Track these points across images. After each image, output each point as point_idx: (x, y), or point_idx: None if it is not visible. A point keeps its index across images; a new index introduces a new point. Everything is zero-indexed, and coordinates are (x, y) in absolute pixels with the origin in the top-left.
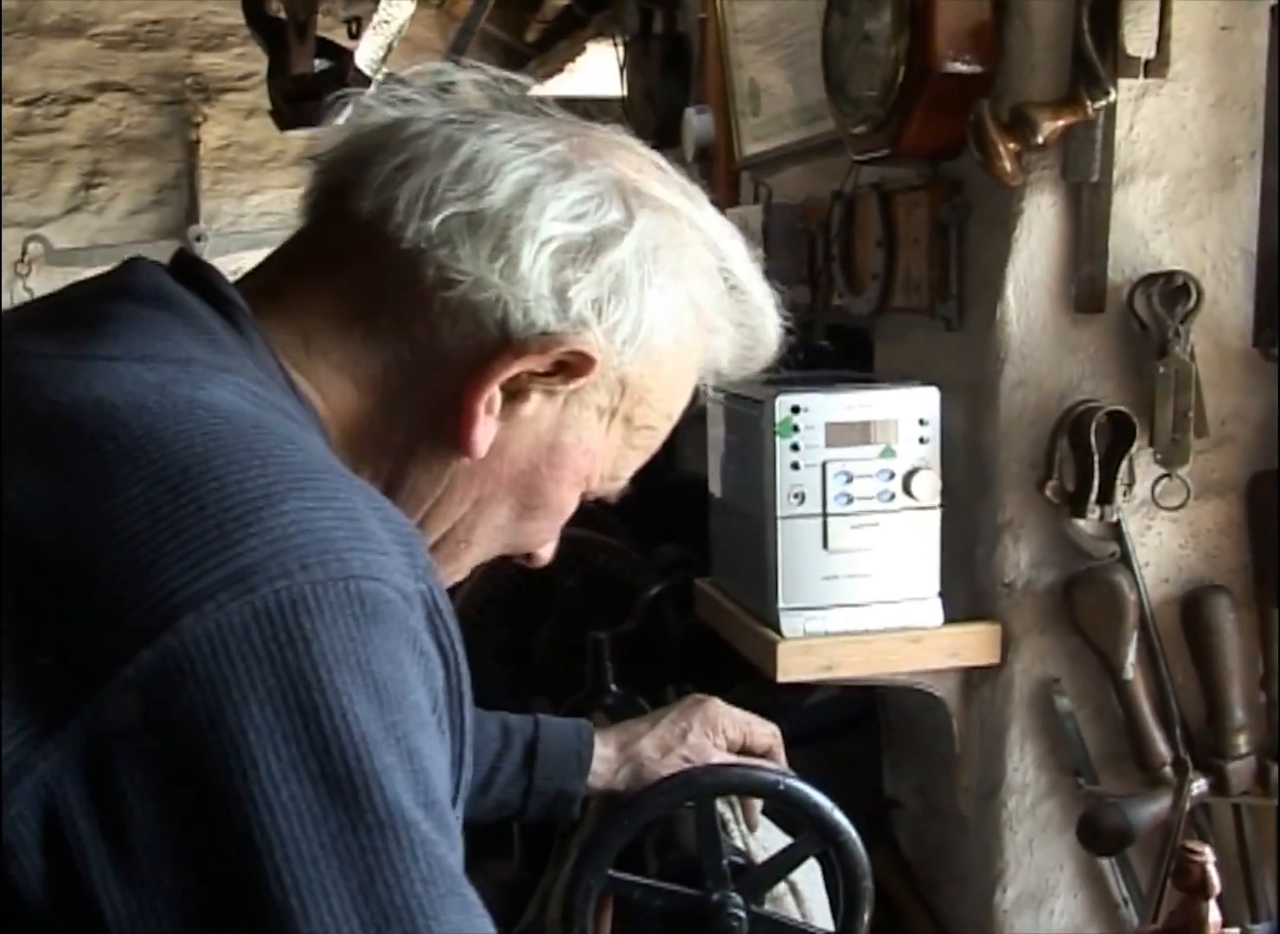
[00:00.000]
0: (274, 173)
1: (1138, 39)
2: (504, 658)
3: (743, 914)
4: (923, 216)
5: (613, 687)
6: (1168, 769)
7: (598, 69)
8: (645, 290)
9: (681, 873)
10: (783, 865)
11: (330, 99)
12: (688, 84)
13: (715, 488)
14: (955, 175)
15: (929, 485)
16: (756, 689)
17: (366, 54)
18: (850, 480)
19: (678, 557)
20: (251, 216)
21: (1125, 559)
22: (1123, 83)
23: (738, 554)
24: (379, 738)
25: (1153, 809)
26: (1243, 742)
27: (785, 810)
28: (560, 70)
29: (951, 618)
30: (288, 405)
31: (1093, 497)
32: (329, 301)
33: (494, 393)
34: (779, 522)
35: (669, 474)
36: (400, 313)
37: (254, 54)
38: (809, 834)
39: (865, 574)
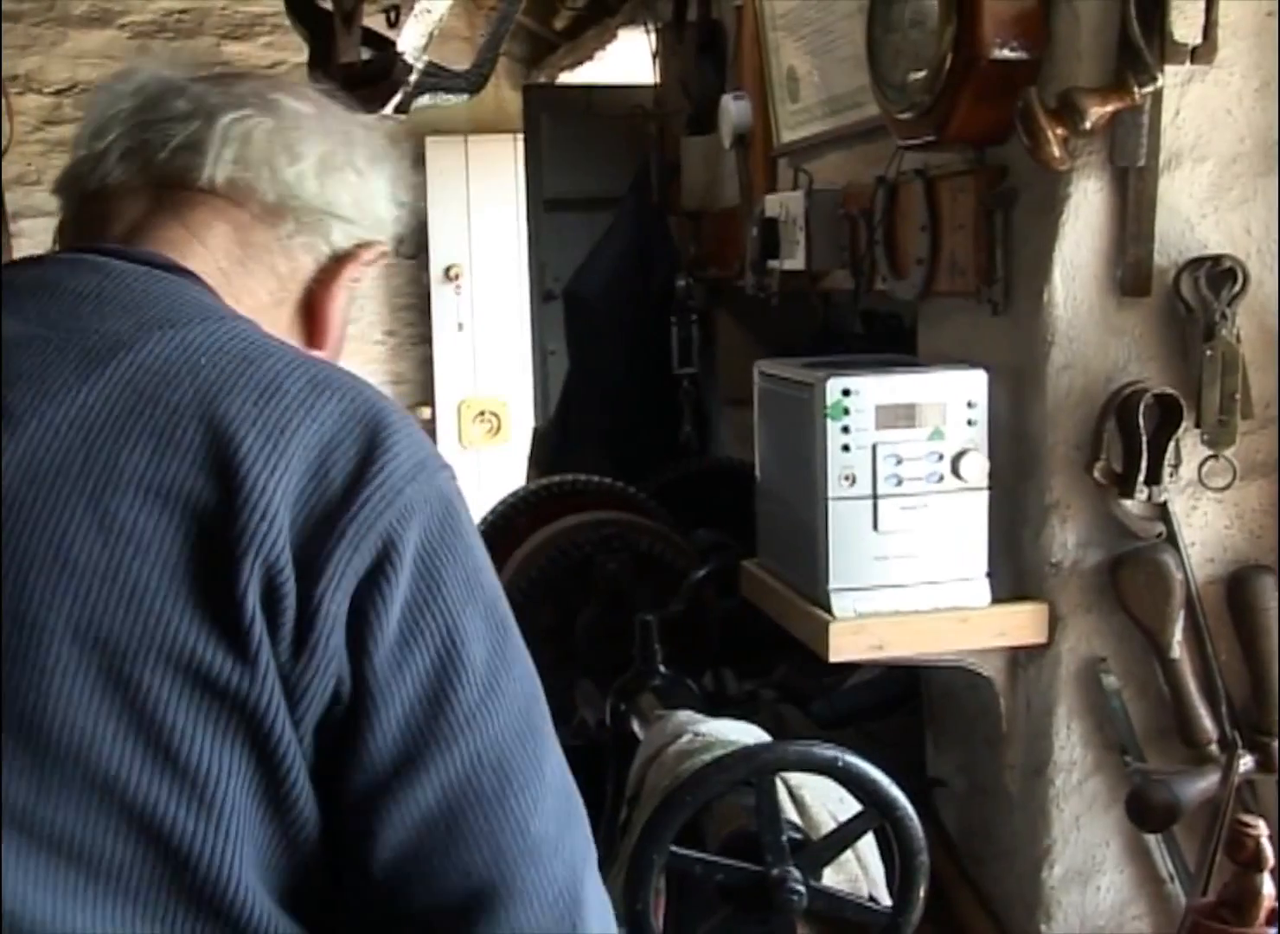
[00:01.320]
0: None
1: (1184, 26)
2: (547, 640)
3: (802, 888)
4: (968, 202)
5: (661, 668)
6: (1213, 747)
7: (629, 56)
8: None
9: (741, 849)
10: (840, 841)
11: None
12: (723, 71)
13: (761, 471)
14: (1001, 161)
15: (977, 467)
16: (799, 671)
17: (410, 42)
18: (900, 462)
19: (714, 541)
20: None
21: (1171, 539)
22: (1169, 69)
23: (786, 536)
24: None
25: (1200, 786)
26: None
27: (843, 786)
28: (590, 58)
29: (998, 598)
30: None
31: (1140, 477)
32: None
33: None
34: (830, 503)
35: (705, 459)
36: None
37: (282, 43)
38: (867, 810)
39: (914, 555)
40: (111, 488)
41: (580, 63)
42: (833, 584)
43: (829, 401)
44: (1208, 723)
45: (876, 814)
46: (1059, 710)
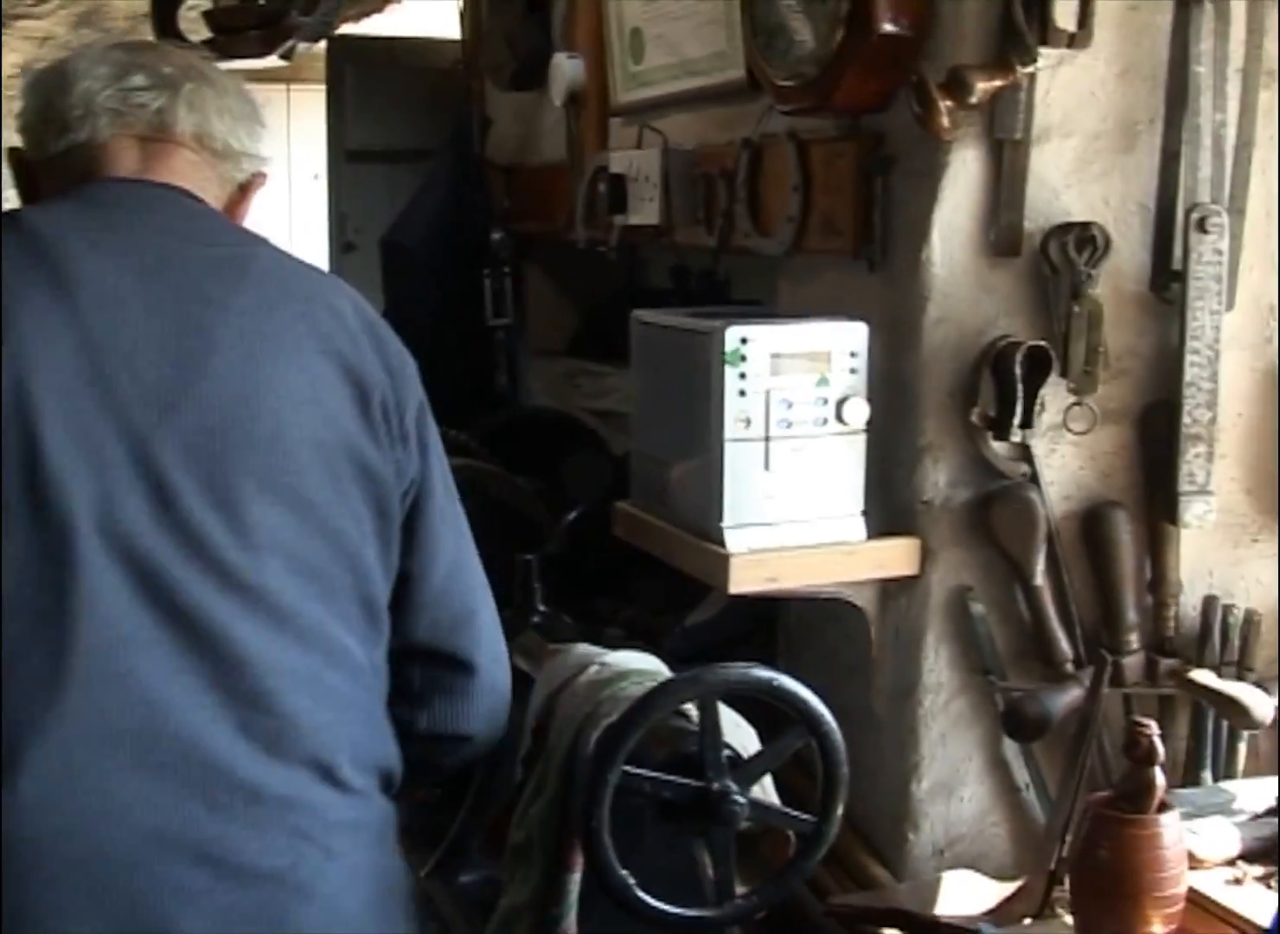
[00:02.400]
0: None
1: (1063, 14)
2: None
3: (743, 801)
4: (846, 166)
5: (540, 607)
6: (1069, 665)
7: (421, 9)
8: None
9: (674, 767)
10: (772, 756)
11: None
12: (548, 30)
13: (640, 416)
14: (876, 128)
15: (859, 411)
16: (641, 611)
17: None
18: (790, 407)
19: (535, 487)
20: None
21: (1034, 478)
22: (1044, 51)
23: (671, 477)
24: None
25: (1065, 699)
26: (1134, 639)
27: (775, 704)
28: (379, 9)
29: (872, 534)
30: None
31: (1015, 422)
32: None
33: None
34: (726, 445)
35: (520, 408)
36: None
37: None
38: (796, 726)
39: (800, 493)
40: (300, 348)
41: (368, 14)
42: (727, 521)
43: (727, 349)
44: (1064, 644)
45: (804, 731)
46: (928, 637)
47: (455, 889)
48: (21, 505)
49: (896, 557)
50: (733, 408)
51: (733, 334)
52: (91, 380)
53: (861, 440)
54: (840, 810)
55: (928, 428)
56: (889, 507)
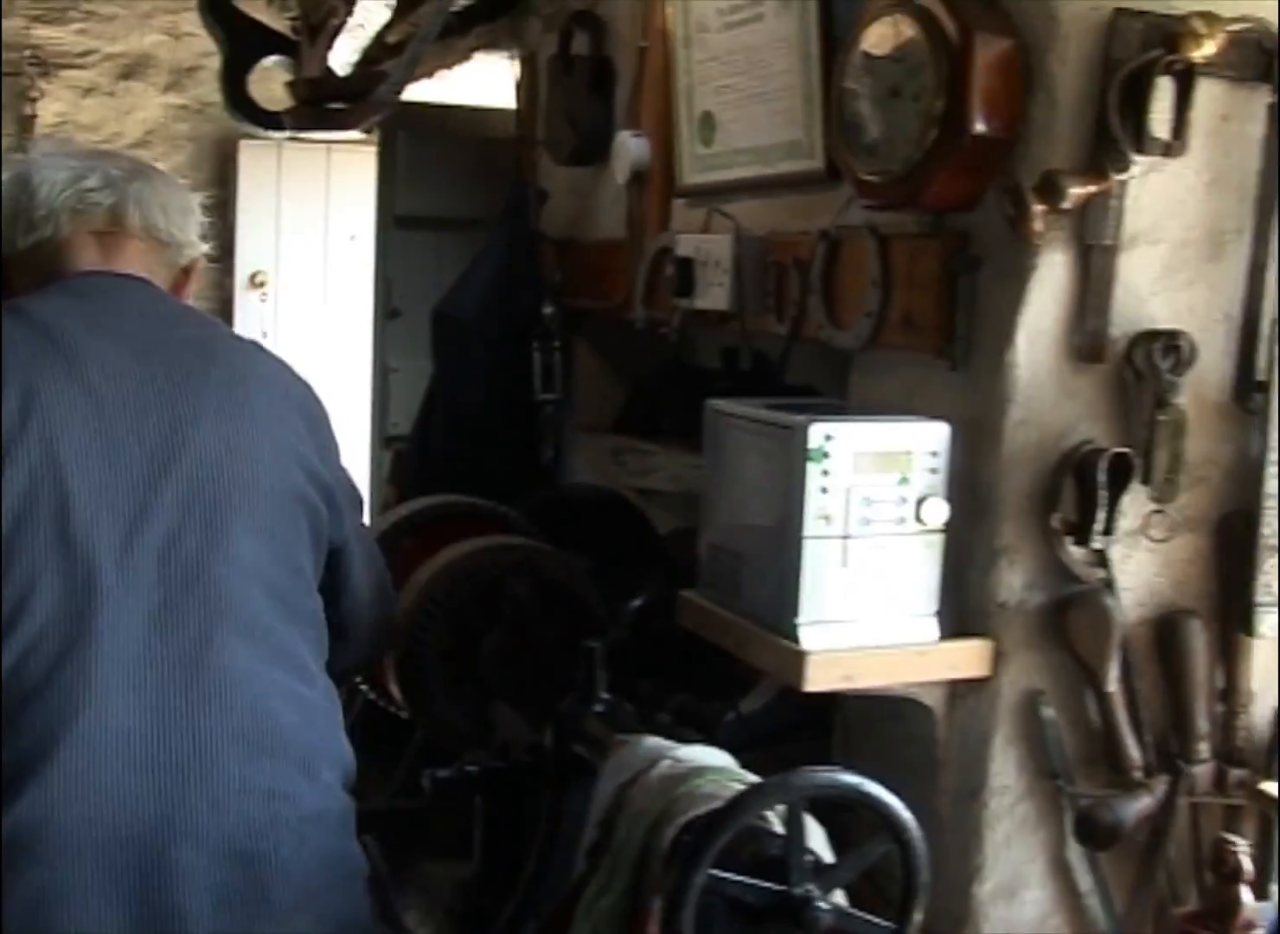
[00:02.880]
0: None
1: (1158, 121)
2: (447, 662)
3: (826, 906)
4: (930, 264)
5: (603, 695)
6: (1138, 773)
7: (472, 79)
8: None
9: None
10: (856, 862)
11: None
12: (610, 107)
13: (712, 506)
14: (961, 227)
15: (939, 511)
16: (690, 697)
17: (342, 57)
18: (871, 505)
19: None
20: None
21: (1109, 584)
22: (1136, 158)
23: (744, 569)
24: None
25: (1135, 807)
26: (1204, 748)
27: (861, 810)
28: (428, 76)
29: (944, 635)
30: None
31: (1098, 528)
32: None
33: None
34: (805, 541)
35: (564, 484)
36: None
37: (95, 31)
38: (881, 833)
39: (876, 592)
40: (261, 415)
41: (418, 79)
42: (802, 617)
43: (811, 445)
44: (1134, 751)
45: (889, 837)
46: (996, 739)
47: None
48: (55, 549)
49: (969, 658)
50: (814, 504)
51: (817, 431)
52: (105, 443)
53: (939, 540)
54: (919, 918)
55: (1005, 530)
56: (961, 607)
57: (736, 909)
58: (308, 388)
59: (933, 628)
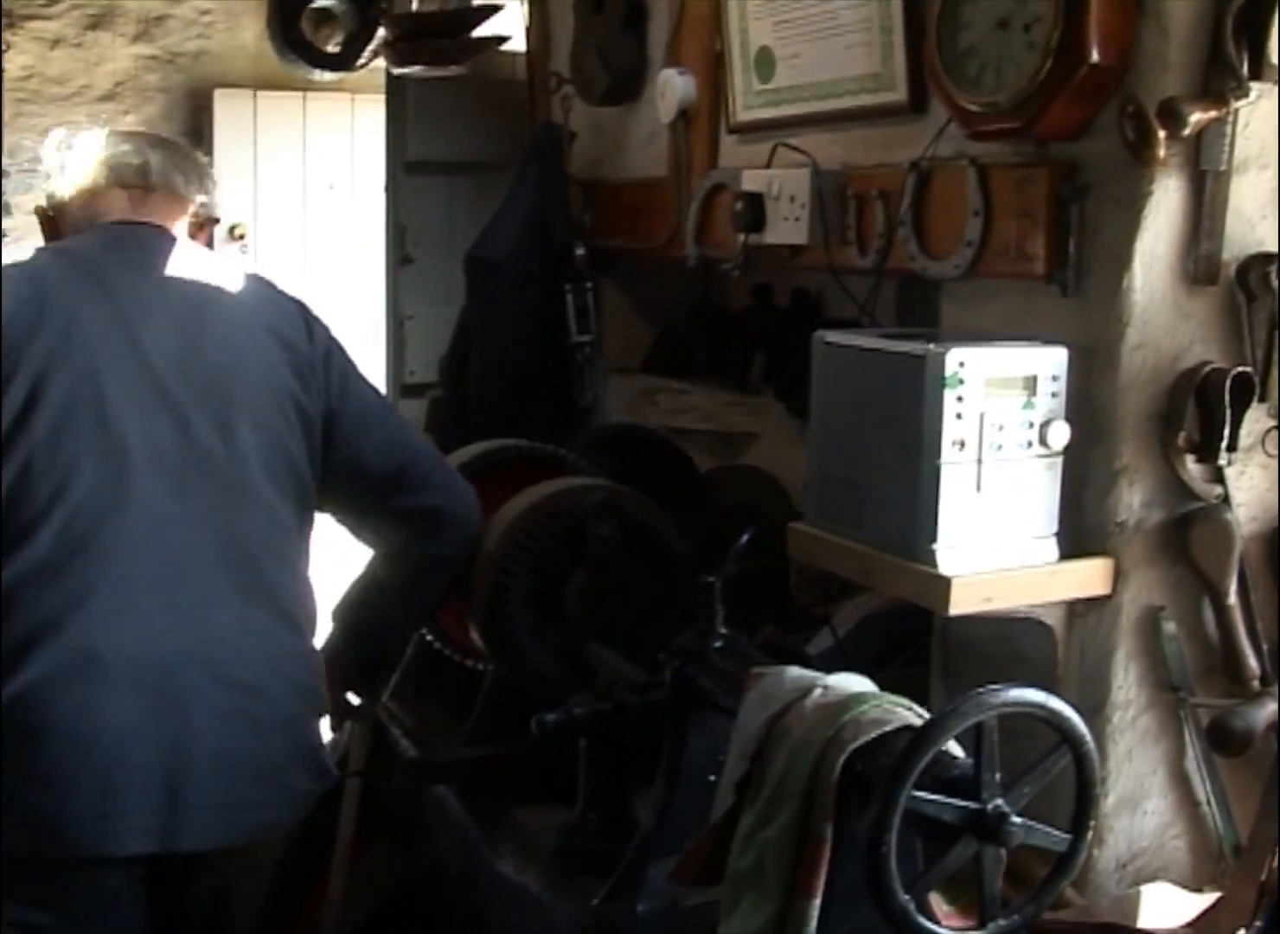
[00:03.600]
0: (79, 108)
1: (1272, 47)
2: (530, 604)
3: (1018, 820)
4: (1038, 192)
5: (722, 629)
6: (1255, 682)
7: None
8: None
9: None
10: (1041, 776)
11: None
12: (644, 45)
13: (825, 437)
14: (1069, 156)
15: (1062, 434)
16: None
17: None
18: (1001, 429)
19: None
20: None
21: (1226, 500)
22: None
23: (868, 497)
24: None
25: (1264, 714)
26: None
27: (1042, 723)
28: None
29: (1063, 555)
30: None
31: (1223, 445)
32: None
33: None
34: (942, 467)
35: (608, 428)
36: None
37: None
38: (1061, 745)
39: (1005, 515)
40: (258, 331)
41: None
42: (940, 542)
43: (947, 372)
44: (1253, 661)
45: (1067, 749)
46: (1118, 655)
47: (636, 919)
48: (94, 436)
49: (1093, 577)
50: (949, 430)
51: (952, 358)
52: (133, 355)
53: (1060, 463)
54: (1092, 829)
55: (1124, 451)
56: (1079, 527)
57: (929, 828)
58: (296, 306)
59: (1053, 549)
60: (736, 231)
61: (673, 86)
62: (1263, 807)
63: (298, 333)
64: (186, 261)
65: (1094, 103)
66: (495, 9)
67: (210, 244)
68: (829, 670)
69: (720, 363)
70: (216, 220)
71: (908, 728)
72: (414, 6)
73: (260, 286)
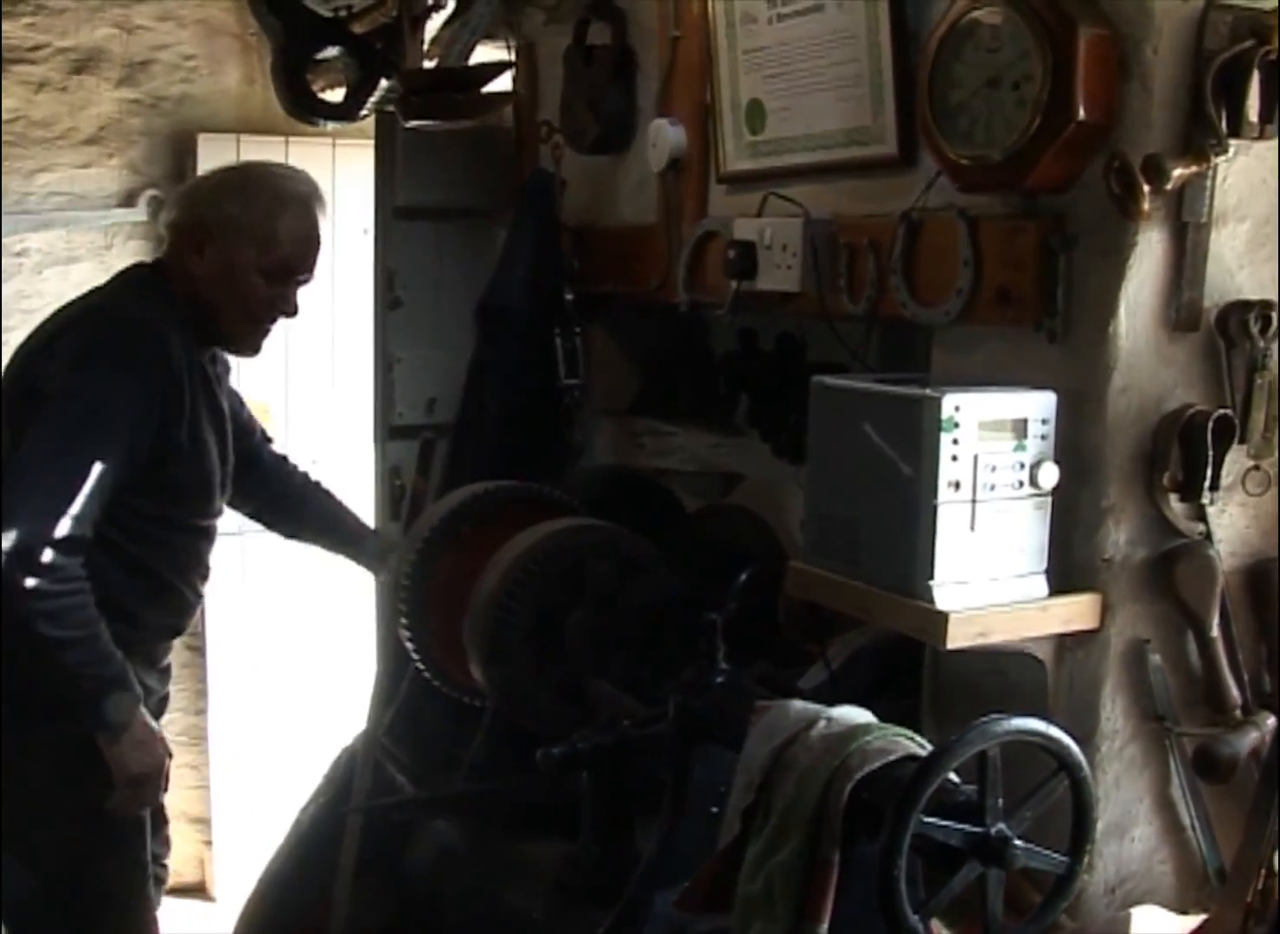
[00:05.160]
0: (64, 151)
1: (1250, 106)
2: (530, 642)
3: (1020, 843)
4: (1027, 242)
5: (723, 664)
6: (1238, 711)
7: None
8: None
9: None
10: (1040, 800)
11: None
12: (634, 96)
13: (821, 479)
14: (1056, 208)
15: (1051, 475)
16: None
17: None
18: (994, 470)
19: None
20: (39, 196)
21: (1208, 536)
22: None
23: (865, 535)
24: None
25: (1247, 741)
26: None
27: (1042, 750)
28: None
29: (1052, 591)
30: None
31: (1205, 484)
32: None
33: None
34: (939, 507)
35: (597, 471)
36: None
37: (44, 25)
38: (1059, 772)
39: (998, 552)
40: None
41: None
42: (937, 579)
43: (944, 416)
44: (1234, 691)
45: (1064, 776)
46: (1106, 686)
47: None
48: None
49: (1082, 612)
50: (945, 472)
51: (949, 402)
52: None
53: (1049, 502)
54: (1089, 852)
55: (1111, 491)
56: (1067, 564)
57: (935, 852)
58: None
59: (1042, 585)
60: (728, 278)
61: (664, 136)
62: (1246, 832)
63: None
64: None
65: (1081, 158)
66: (508, 65)
67: None
68: (824, 704)
69: (706, 405)
70: None
71: (911, 757)
72: (424, 63)
73: None
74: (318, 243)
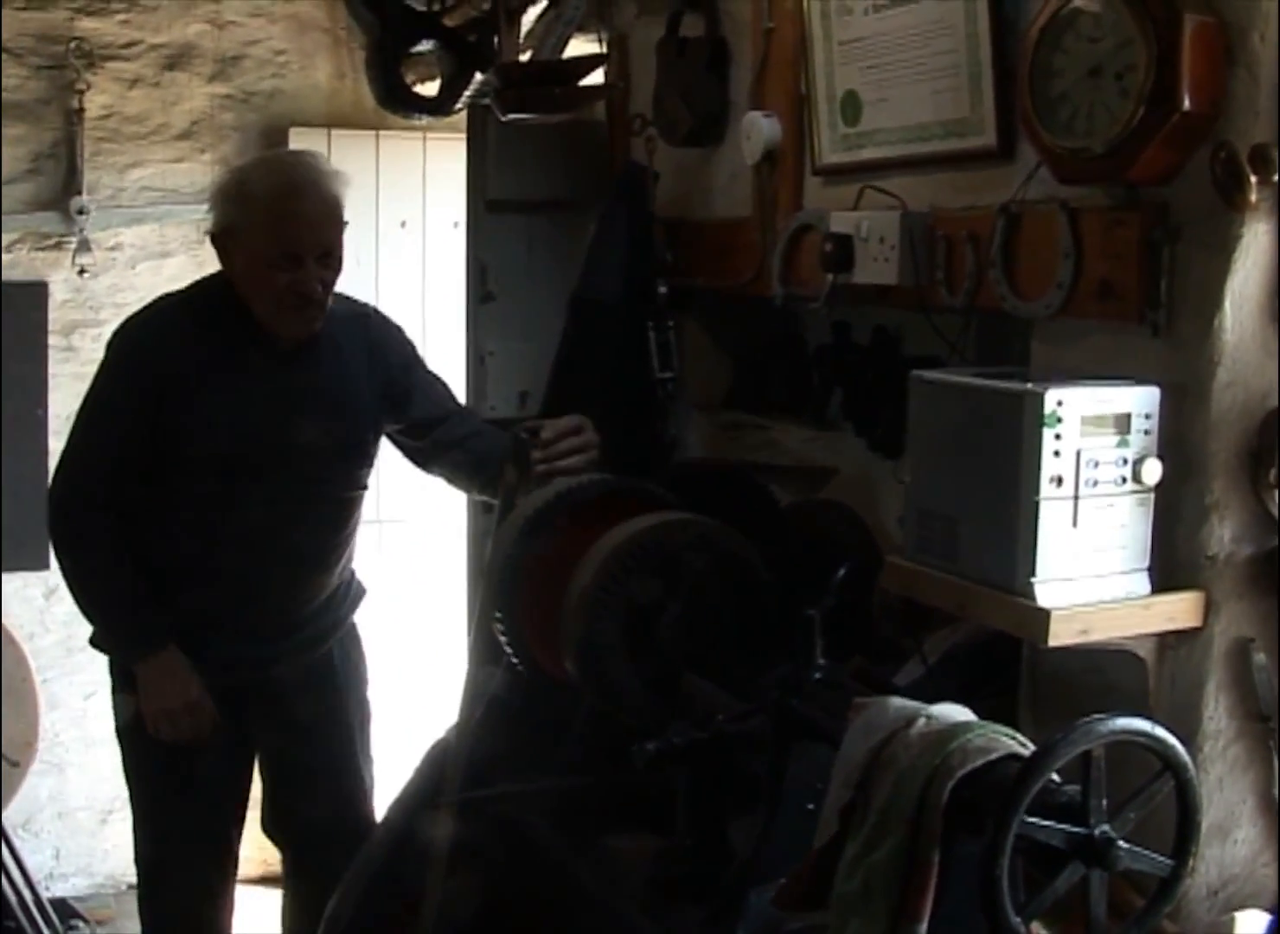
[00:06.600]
0: (156, 146)
1: None
2: (625, 636)
3: (1125, 845)
4: (1129, 235)
5: (820, 660)
6: None
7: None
8: None
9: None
10: (1145, 802)
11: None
12: (727, 87)
13: (923, 474)
14: (1159, 199)
15: (1154, 471)
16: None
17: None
18: (1096, 466)
19: None
20: (132, 190)
21: None
22: None
23: (965, 531)
24: None
25: None
26: None
27: (1146, 750)
28: None
29: (1155, 588)
30: None
31: None
32: None
33: None
34: (1041, 503)
35: (691, 464)
36: None
37: (138, 21)
38: (1164, 773)
39: (1101, 549)
40: None
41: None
42: (1039, 576)
43: (1046, 411)
44: None
45: (1170, 776)
46: (1209, 685)
47: None
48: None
49: (1185, 610)
50: (1048, 468)
51: (1051, 397)
52: None
53: (1152, 498)
54: (1194, 855)
55: (1215, 486)
56: (1169, 561)
57: (1038, 853)
58: None
59: (1144, 582)
60: (825, 271)
61: (758, 129)
62: None
63: None
64: None
65: (1185, 149)
66: (602, 59)
67: None
68: (920, 701)
69: (799, 399)
70: None
71: (1013, 756)
72: (520, 56)
73: None
74: (320, 220)
